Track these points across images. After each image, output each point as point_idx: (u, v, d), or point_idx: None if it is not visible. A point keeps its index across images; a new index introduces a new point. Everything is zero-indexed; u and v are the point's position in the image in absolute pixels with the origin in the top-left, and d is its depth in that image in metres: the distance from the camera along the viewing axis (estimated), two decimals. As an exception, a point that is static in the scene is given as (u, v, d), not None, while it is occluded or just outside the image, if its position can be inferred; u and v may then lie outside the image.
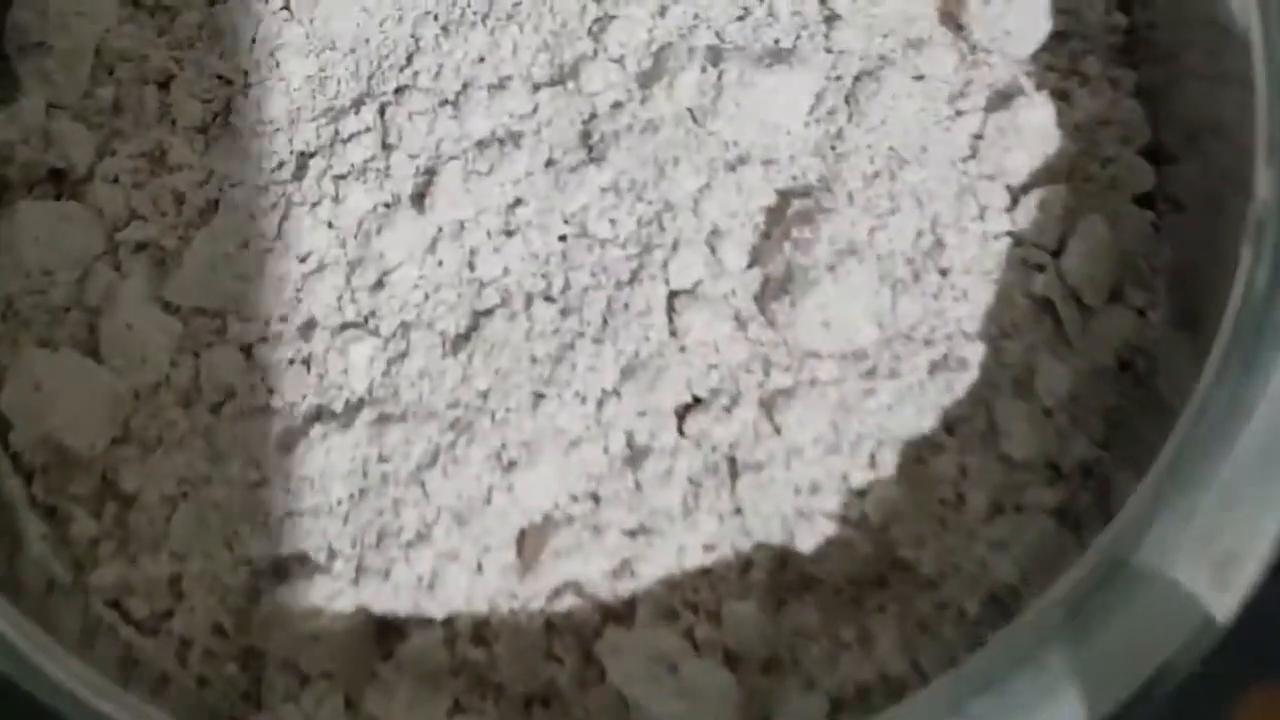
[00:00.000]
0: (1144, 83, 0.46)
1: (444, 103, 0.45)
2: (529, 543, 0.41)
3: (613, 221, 0.44)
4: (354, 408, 0.43)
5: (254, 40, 0.46)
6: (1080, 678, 0.33)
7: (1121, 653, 0.34)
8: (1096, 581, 0.34)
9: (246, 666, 0.42)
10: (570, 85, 0.45)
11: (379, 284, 0.44)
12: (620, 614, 0.41)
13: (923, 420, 0.42)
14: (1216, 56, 0.41)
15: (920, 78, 0.45)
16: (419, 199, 0.44)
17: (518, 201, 0.44)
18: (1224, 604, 0.34)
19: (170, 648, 0.42)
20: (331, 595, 0.41)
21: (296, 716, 0.41)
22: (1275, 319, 0.36)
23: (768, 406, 0.42)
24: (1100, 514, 0.40)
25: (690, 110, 0.45)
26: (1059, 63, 0.46)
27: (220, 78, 0.46)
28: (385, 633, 0.42)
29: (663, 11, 0.46)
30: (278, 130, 0.46)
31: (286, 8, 0.47)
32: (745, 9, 0.46)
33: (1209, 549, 0.34)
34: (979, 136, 0.45)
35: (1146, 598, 0.34)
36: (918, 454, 0.42)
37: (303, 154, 0.45)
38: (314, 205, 0.45)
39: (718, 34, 0.46)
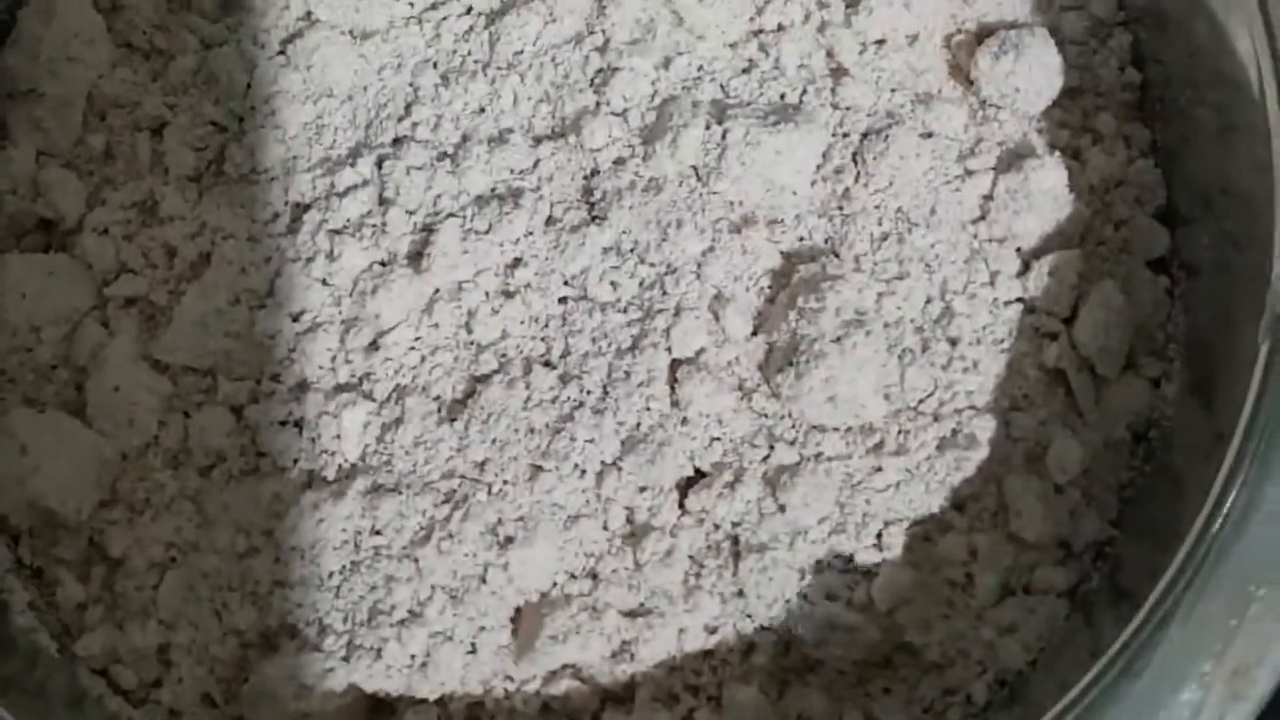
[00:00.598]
0: (1158, 140, 0.46)
1: (442, 156, 0.45)
2: (525, 623, 0.41)
3: (614, 285, 0.43)
4: (346, 475, 0.42)
5: (249, 86, 0.46)
6: None
7: None
8: (1111, 693, 0.34)
9: None
10: (572, 139, 0.45)
11: (374, 345, 0.43)
12: (619, 697, 0.41)
13: (931, 499, 0.42)
14: (1231, 116, 0.42)
15: (929, 135, 0.45)
16: (416, 258, 0.44)
17: (517, 262, 0.44)
18: (1239, 714, 0.34)
19: (159, 718, 0.42)
20: (322, 673, 0.41)
21: None
22: None
23: (772, 483, 0.42)
24: (1111, 594, 0.39)
25: (694, 168, 0.44)
26: (1071, 120, 0.46)
27: (214, 124, 0.46)
28: (377, 711, 0.42)
29: (667, 64, 0.46)
30: (272, 180, 0.45)
31: (283, 53, 0.47)
32: (750, 61, 0.46)
33: (1223, 664, 0.34)
34: (989, 198, 0.44)
35: (1164, 713, 0.34)
36: (926, 534, 0.42)
37: (298, 205, 0.45)
38: (308, 261, 0.44)
39: (722, 87, 0.45)
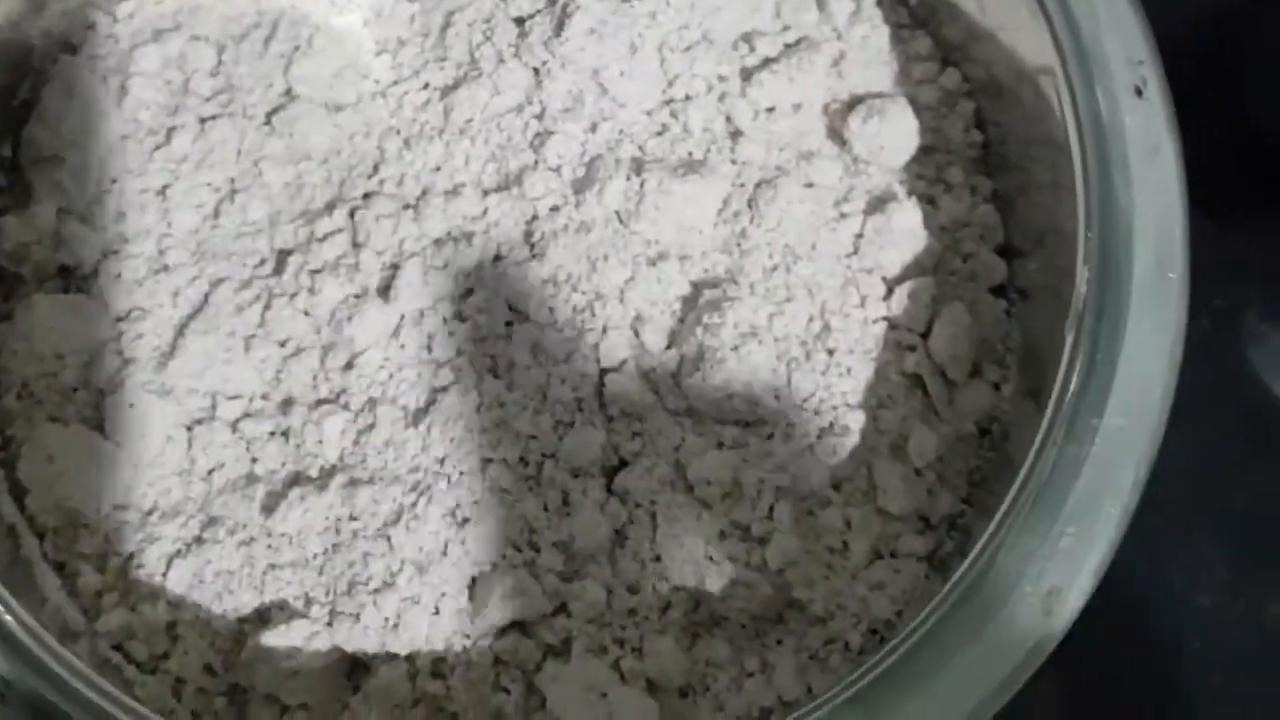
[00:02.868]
0: (998, 189, 0.49)
1: (406, 206, 0.46)
2: (479, 588, 0.43)
3: (551, 309, 0.45)
4: (328, 473, 0.44)
5: (239, 153, 0.47)
6: (938, 688, 0.36)
7: (973, 666, 0.36)
8: (952, 612, 0.37)
9: (233, 700, 0.43)
10: (515, 191, 0.46)
11: (349, 365, 0.45)
12: (558, 649, 0.42)
13: (813, 479, 0.44)
14: (1054, 168, 0.44)
15: (810, 185, 0.47)
16: (384, 290, 0.45)
17: (469, 292, 0.45)
18: (1052, 628, 0.37)
19: (167, 685, 0.43)
20: (309, 636, 0.42)
21: None
22: (1092, 390, 0.39)
23: (682, 467, 0.44)
24: (962, 558, 0.40)
25: (617, 213, 0.46)
26: (927, 172, 0.48)
27: (210, 185, 0.47)
28: (355, 669, 0.43)
29: (594, 128, 0.47)
30: (260, 231, 0.46)
31: (268, 123, 0.48)
32: (664, 126, 0.48)
33: (1039, 585, 0.37)
34: (860, 235, 0.46)
35: (992, 626, 0.37)
36: (809, 508, 0.44)
37: (282, 251, 0.46)
38: (292, 296, 0.45)
39: (640, 147, 0.47)
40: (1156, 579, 0.48)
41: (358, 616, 0.42)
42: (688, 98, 0.48)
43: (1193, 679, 0.49)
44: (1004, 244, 0.48)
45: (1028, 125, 0.46)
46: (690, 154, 0.47)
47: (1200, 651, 0.49)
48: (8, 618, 0.39)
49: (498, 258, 0.46)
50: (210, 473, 0.44)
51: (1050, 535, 0.37)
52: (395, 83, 0.49)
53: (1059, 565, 0.37)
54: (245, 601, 0.43)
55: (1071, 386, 0.39)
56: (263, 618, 0.43)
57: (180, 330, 0.45)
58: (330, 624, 0.42)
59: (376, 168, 0.47)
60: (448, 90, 0.48)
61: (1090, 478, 0.38)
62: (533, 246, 0.46)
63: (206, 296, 0.46)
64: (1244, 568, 0.49)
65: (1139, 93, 0.41)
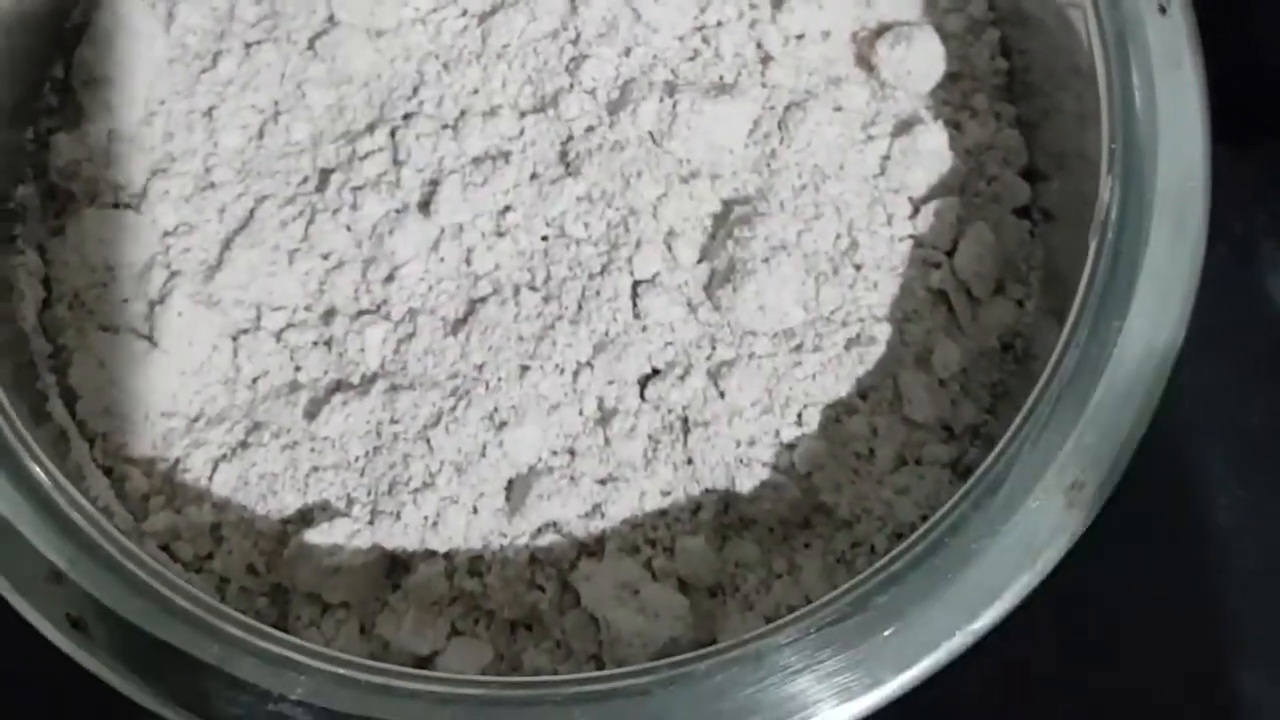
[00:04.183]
0: (1022, 115, 0.49)
1: (445, 126, 0.47)
2: (516, 489, 0.43)
3: (586, 225, 0.45)
4: (369, 380, 0.45)
5: (283, 76, 0.48)
6: (963, 582, 0.37)
7: (996, 563, 0.37)
8: (974, 507, 0.38)
9: (275, 601, 0.44)
10: (550, 112, 0.47)
11: (390, 277, 0.45)
12: (592, 549, 0.43)
13: (840, 387, 0.44)
14: (1078, 96, 0.44)
15: (839, 109, 0.47)
16: (424, 206, 0.46)
17: (507, 209, 0.46)
18: (1075, 520, 0.37)
19: (212, 584, 0.43)
20: (350, 535, 0.43)
21: (318, 640, 0.43)
22: (1114, 294, 0.39)
23: (714, 375, 0.44)
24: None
25: (650, 133, 0.46)
26: (952, 98, 0.49)
27: (254, 108, 0.48)
28: (394, 567, 0.44)
29: (628, 53, 0.48)
30: (303, 151, 0.47)
31: (311, 48, 0.49)
32: (695, 51, 0.48)
33: (1061, 479, 0.37)
34: (887, 157, 0.47)
35: (1013, 521, 0.37)
36: (836, 415, 0.44)
37: (324, 170, 0.47)
38: (335, 212, 0.46)
39: (673, 71, 0.48)
40: (1174, 497, 0.49)
41: (398, 515, 0.43)
42: (719, 24, 0.48)
43: (1210, 598, 0.49)
44: (1028, 167, 0.49)
45: (1052, 53, 0.47)
46: (721, 77, 0.48)
47: (1217, 570, 0.49)
48: (62, 502, 0.39)
49: (534, 175, 0.46)
50: (255, 380, 0.45)
51: (1073, 433, 0.38)
52: (434, 9, 0.49)
53: (1081, 460, 0.37)
54: (288, 503, 0.44)
55: (1095, 289, 0.40)
56: (305, 518, 0.44)
57: (226, 244, 0.46)
58: (371, 523, 0.43)
59: (416, 90, 0.48)
60: (485, 16, 0.49)
61: (1112, 377, 0.38)
62: (568, 165, 0.46)
63: (252, 212, 0.47)
64: (1260, 487, 0.49)
65: (1163, 10, 0.42)
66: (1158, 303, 0.39)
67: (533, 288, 0.45)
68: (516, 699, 0.36)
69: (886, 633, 0.36)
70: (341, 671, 0.37)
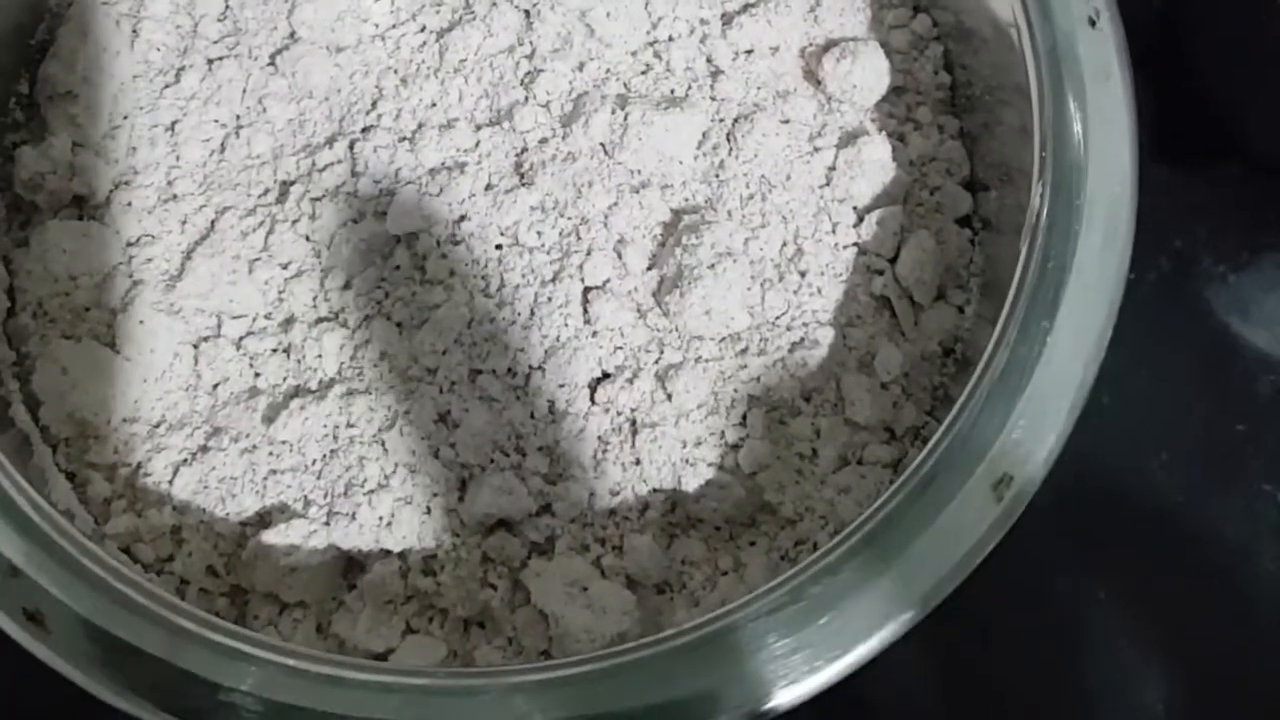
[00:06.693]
0: (964, 128, 0.50)
1: (402, 139, 0.47)
2: (468, 489, 0.44)
3: (539, 233, 0.46)
4: (326, 385, 0.45)
5: (245, 91, 0.49)
6: (897, 568, 0.37)
7: (927, 551, 0.38)
8: (909, 501, 0.39)
9: (234, 602, 0.44)
10: (505, 125, 0.47)
11: (347, 285, 0.46)
12: (543, 547, 0.44)
13: (785, 390, 0.45)
14: (1018, 110, 0.45)
15: (786, 121, 0.48)
16: (381, 215, 0.46)
17: (462, 218, 0.46)
18: (1002, 515, 0.38)
19: (171, 586, 0.43)
20: (307, 535, 0.43)
21: (275, 639, 0.42)
22: (1043, 295, 0.40)
23: (661, 378, 0.44)
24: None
25: (602, 145, 0.47)
26: (897, 111, 0.50)
27: (217, 122, 0.49)
28: (350, 568, 0.44)
29: (581, 67, 0.48)
30: (264, 164, 0.48)
31: (272, 64, 0.49)
32: (647, 65, 0.49)
33: (991, 473, 0.38)
34: (832, 168, 0.47)
35: (943, 515, 0.38)
36: (780, 417, 0.45)
37: (284, 182, 0.47)
38: (294, 222, 0.47)
39: (625, 84, 0.48)
40: (1113, 505, 0.50)
41: (353, 516, 0.43)
42: (670, 39, 0.49)
43: (1147, 600, 0.50)
44: (969, 178, 0.49)
45: (993, 69, 0.47)
46: (672, 91, 0.48)
47: (1156, 572, 0.50)
48: (21, 502, 0.40)
49: (489, 186, 0.47)
50: (215, 387, 0.45)
51: (1001, 431, 0.38)
52: (393, 26, 0.50)
53: (1010, 456, 0.38)
54: (247, 505, 0.44)
55: (1025, 292, 0.40)
56: (263, 520, 0.44)
57: (188, 254, 0.47)
58: (327, 523, 0.43)
59: (375, 104, 0.48)
60: (443, 32, 0.49)
61: (1040, 376, 0.39)
62: (522, 176, 0.47)
63: (213, 223, 0.47)
64: (1198, 494, 0.50)
65: (1092, 23, 0.43)
66: (1086, 305, 0.40)
67: (486, 294, 0.46)
68: (461, 688, 0.37)
69: (822, 621, 0.37)
70: (291, 663, 0.37)
